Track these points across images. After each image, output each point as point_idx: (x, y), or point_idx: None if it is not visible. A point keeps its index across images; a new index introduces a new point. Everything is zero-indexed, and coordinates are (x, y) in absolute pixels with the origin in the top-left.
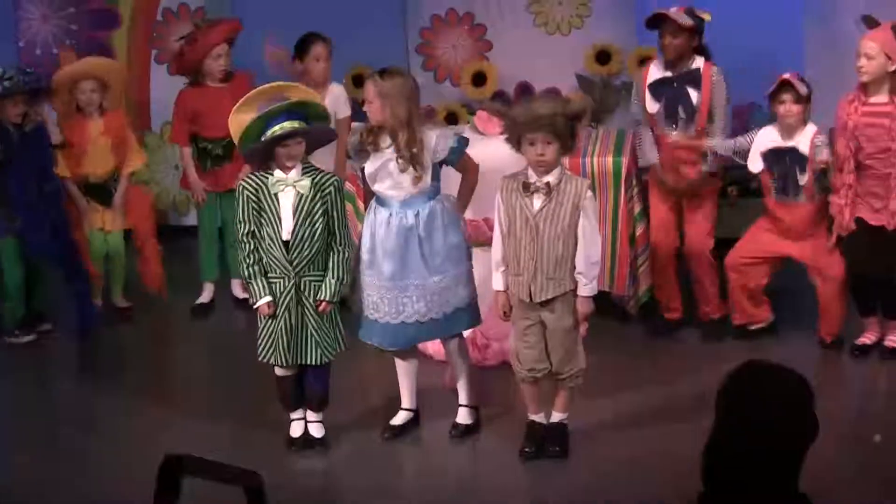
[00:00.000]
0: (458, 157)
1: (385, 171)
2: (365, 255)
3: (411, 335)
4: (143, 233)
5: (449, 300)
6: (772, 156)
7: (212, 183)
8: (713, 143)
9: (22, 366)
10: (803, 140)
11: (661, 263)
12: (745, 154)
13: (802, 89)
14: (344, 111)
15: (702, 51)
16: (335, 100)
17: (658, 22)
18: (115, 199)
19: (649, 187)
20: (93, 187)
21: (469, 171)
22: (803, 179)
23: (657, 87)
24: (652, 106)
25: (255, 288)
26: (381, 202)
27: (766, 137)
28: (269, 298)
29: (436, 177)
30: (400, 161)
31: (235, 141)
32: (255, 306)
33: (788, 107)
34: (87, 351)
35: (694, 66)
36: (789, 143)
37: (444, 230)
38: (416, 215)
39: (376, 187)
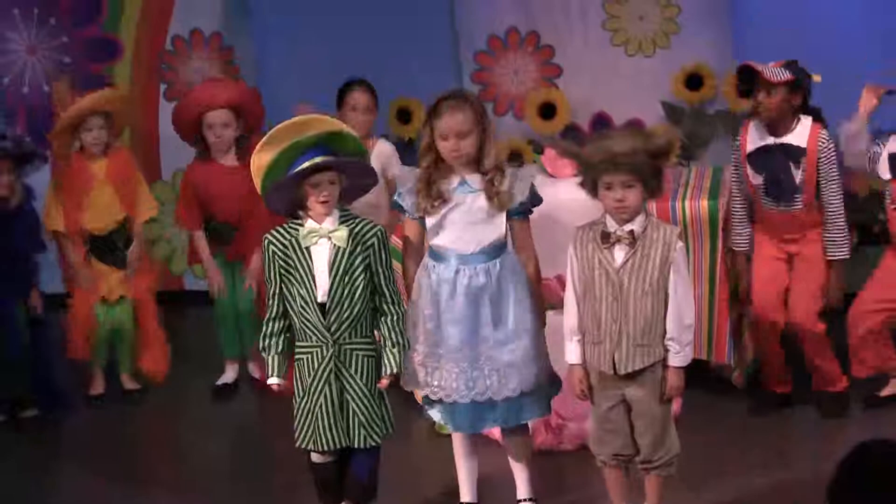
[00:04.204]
0: (527, 208)
1: (451, 219)
2: (429, 324)
3: (482, 416)
4: (144, 308)
5: (520, 378)
6: None
7: (221, 251)
8: (833, 252)
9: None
10: None
11: (766, 333)
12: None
13: None
14: (394, 171)
15: (809, 111)
16: (384, 160)
17: (750, 77)
18: (131, 257)
19: (756, 248)
20: (98, 243)
21: (527, 247)
22: None
23: (758, 158)
24: (754, 177)
25: (270, 363)
26: (440, 258)
27: None
28: (278, 382)
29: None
30: (494, 200)
31: (257, 183)
32: (268, 382)
33: None
34: (83, 440)
35: (798, 131)
36: None
37: (515, 291)
38: (487, 272)
39: (437, 241)
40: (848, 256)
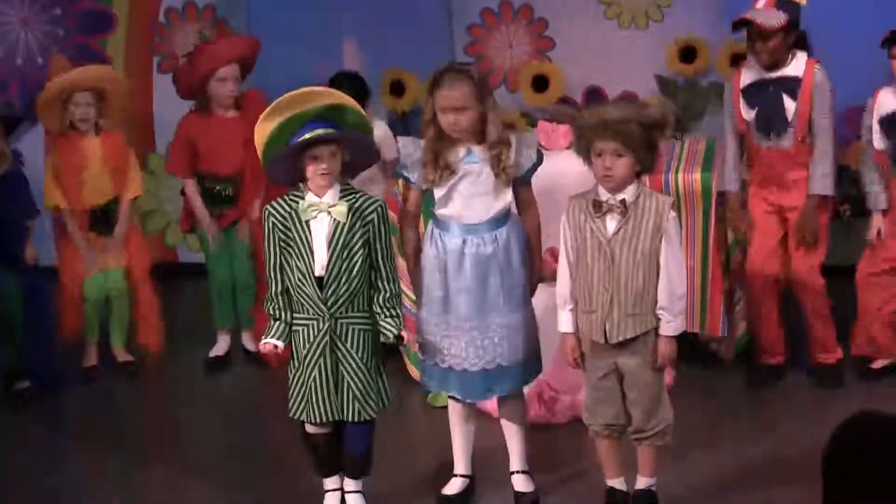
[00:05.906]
0: (531, 174)
1: (458, 189)
2: (437, 293)
3: (493, 384)
4: (141, 284)
5: (525, 339)
6: (891, 123)
7: (217, 220)
8: (815, 186)
9: None
10: None
11: (760, 297)
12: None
13: None
14: (389, 154)
15: (801, 44)
16: (379, 142)
17: (745, 25)
18: (118, 229)
19: (749, 203)
20: (94, 216)
21: (531, 206)
22: None
23: (751, 92)
24: (747, 113)
25: (274, 328)
26: (446, 228)
27: (886, 101)
28: (276, 343)
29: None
30: (501, 175)
31: (259, 151)
32: (262, 342)
33: None
34: (76, 412)
35: (793, 65)
36: None
37: (521, 255)
38: (495, 240)
39: (444, 211)
40: (831, 194)
